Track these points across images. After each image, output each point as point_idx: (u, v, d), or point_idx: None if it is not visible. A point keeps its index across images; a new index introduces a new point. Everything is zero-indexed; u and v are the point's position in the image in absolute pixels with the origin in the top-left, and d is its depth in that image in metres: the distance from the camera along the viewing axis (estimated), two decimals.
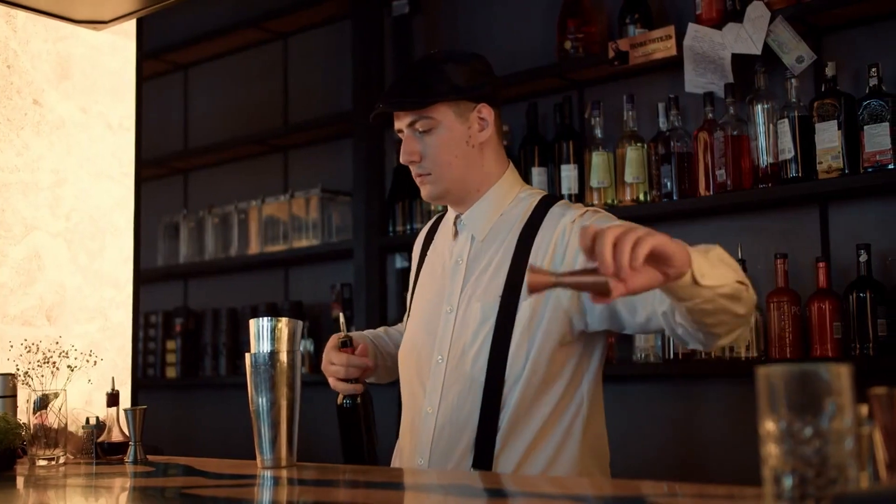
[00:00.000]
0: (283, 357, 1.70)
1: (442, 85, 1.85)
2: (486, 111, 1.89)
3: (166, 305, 4.45)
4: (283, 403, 1.69)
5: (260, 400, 1.69)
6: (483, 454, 1.77)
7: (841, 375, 0.92)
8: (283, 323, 1.72)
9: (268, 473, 1.64)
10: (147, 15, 2.45)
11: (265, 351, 1.71)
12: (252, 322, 1.73)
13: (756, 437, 3.00)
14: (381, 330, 2.17)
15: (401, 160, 1.91)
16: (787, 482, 0.92)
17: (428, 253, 2.05)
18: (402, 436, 1.95)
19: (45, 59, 2.38)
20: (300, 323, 1.76)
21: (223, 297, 4.33)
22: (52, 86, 2.39)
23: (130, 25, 2.55)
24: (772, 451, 0.94)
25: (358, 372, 1.88)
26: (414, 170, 1.90)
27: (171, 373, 4.32)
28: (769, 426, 0.94)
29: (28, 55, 2.35)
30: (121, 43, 2.54)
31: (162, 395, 4.46)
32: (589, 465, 1.84)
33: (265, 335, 1.71)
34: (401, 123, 1.89)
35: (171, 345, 4.34)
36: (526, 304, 1.79)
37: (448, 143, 1.86)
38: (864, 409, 1.04)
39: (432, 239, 2.06)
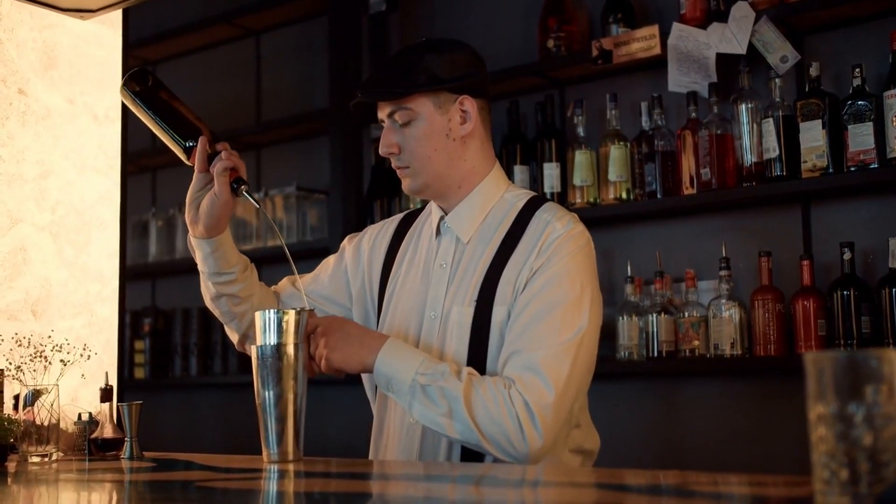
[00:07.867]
0: (290, 350, 1.66)
1: (420, 75, 1.79)
2: (469, 103, 1.83)
3: (134, 305, 4.36)
4: (290, 397, 1.65)
5: (266, 393, 1.65)
6: (470, 454, 1.74)
7: (893, 361, 0.93)
8: (290, 315, 1.69)
9: (275, 467, 1.61)
10: (134, 5, 2.41)
11: (271, 343, 1.67)
12: (258, 314, 1.70)
13: (740, 433, 2.99)
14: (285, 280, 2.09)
15: (379, 152, 1.86)
16: (839, 467, 0.92)
17: (405, 251, 1.97)
18: (380, 436, 1.90)
19: (30, 47, 2.32)
20: (306, 315, 1.73)
21: (194, 296, 4.23)
22: (37, 75, 2.33)
23: (116, 15, 2.50)
24: (823, 435, 0.94)
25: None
26: (393, 162, 1.85)
27: (139, 373, 4.25)
28: (820, 411, 0.94)
29: (13, 43, 2.29)
30: (107, 33, 2.49)
31: (130, 396, 4.36)
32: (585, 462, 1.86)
33: (272, 327, 1.68)
34: (382, 113, 1.84)
35: (139, 345, 4.26)
36: (502, 309, 1.76)
37: (427, 135, 1.81)
38: None
39: (403, 237, 1.99)
